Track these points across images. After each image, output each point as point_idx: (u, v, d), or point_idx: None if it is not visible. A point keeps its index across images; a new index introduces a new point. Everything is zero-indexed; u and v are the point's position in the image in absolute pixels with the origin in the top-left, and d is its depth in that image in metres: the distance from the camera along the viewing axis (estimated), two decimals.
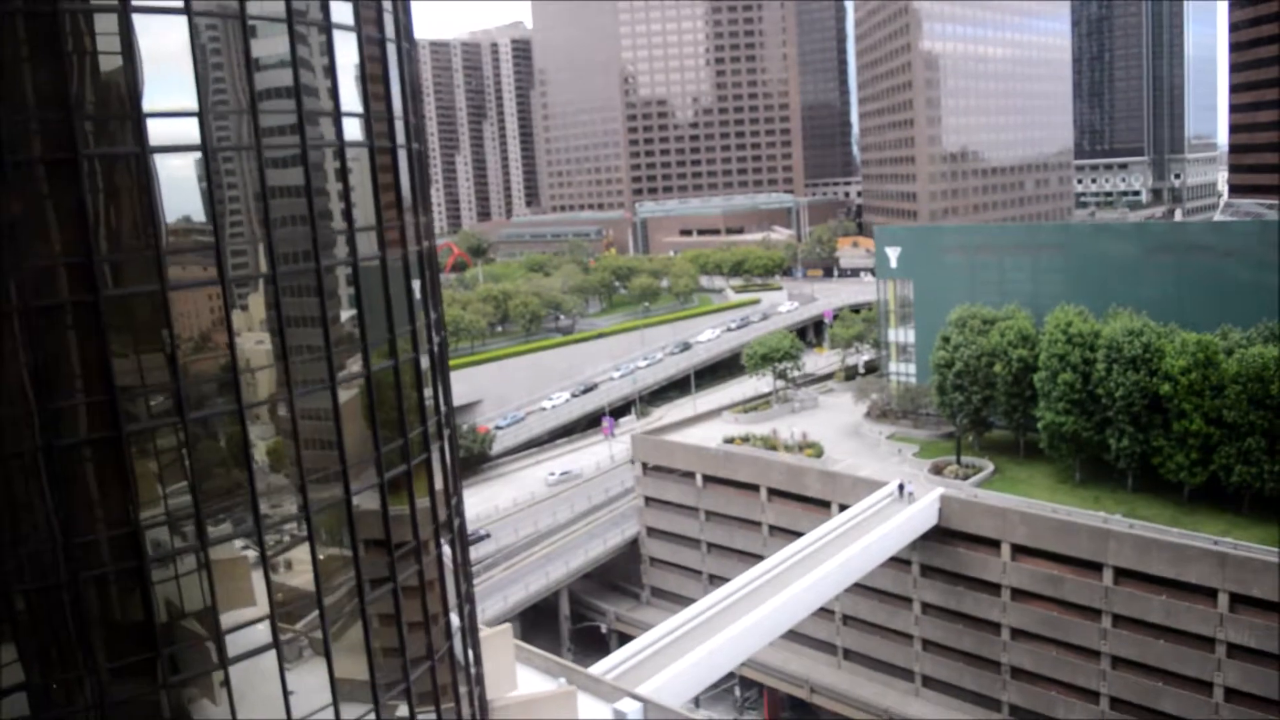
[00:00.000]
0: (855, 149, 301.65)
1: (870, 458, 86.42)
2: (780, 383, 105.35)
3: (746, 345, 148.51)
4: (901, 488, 73.35)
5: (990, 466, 79.55)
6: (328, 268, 23.12)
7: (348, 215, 23.90)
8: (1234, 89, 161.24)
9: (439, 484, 27.80)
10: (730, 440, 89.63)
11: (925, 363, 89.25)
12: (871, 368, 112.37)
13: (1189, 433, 67.43)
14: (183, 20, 19.81)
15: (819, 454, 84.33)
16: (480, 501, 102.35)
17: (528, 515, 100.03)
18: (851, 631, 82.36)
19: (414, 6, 28.22)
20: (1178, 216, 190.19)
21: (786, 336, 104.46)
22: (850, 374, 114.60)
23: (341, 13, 23.39)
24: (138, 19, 19.11)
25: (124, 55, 19.15)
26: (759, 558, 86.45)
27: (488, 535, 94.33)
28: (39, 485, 18.74)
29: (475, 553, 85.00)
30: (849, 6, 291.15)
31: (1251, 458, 65.94)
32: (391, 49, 25.83)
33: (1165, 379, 68.19)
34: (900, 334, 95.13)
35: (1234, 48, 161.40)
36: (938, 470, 79.67)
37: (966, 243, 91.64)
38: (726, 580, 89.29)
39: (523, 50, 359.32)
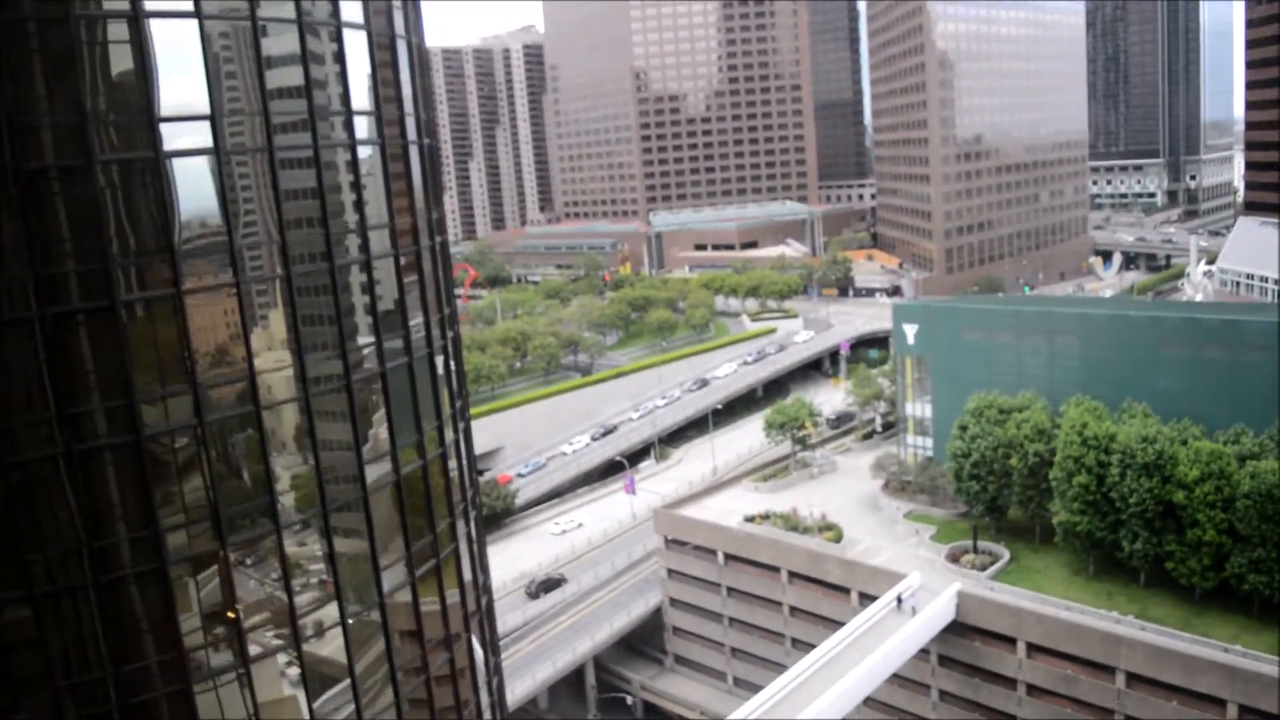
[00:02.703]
0: (869, 146, 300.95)
1: (887, 538, 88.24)
2: (798, 447, 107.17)
3: (763, 381, 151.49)
4: (900, 600, 75.07)
5: (1006, 555, 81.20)
6: (340, 266, 23.23)
7: (359, 212, 23.79)
8: (1249, 80, 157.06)
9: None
10: (750, 518, 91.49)
11: (942, 436, 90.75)
12: (889, 424, 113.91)
13: (1202, 541, 68.96)
14: (193, 24, 20.01)
15: (838, 537, 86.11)
16: (504, 563, 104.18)
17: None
18: (870, 713, 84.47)
19: (425, 11, 28.20)
20: (1191, 238, 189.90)
21: (804, 406, 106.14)
22: (868, 433, 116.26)
23: (351, 11, 23.50)
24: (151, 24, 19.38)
25: (136, 61, 19.36)
26: (780, 635, 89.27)
27: None
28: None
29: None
30: (862, 4, 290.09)
31: (1263, 566, 67.51)
32: (402, 45, 25.89)
33: (1179, 487, 69.60)
34: (917, 407, 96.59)
35: (1250, 43, 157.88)
36: (954, 558, 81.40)
37: (983, 323, 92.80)
38: (748, 654, 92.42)
39: (535, 55, 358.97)
